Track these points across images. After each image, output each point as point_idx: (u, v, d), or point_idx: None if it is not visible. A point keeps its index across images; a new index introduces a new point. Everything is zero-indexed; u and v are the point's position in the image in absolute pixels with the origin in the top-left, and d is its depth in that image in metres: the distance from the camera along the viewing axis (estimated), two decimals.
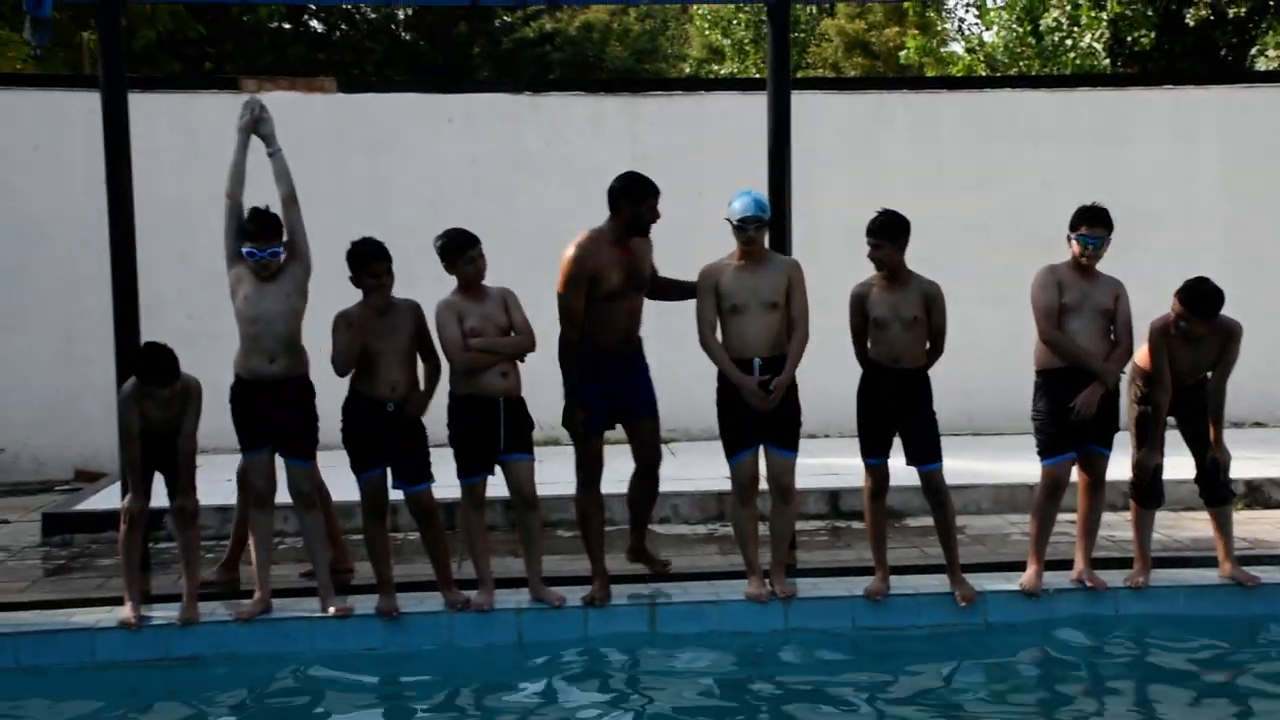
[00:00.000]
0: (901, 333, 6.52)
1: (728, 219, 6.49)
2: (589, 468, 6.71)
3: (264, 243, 6.40)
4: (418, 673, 6.23)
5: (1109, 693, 5.97)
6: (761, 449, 6.57)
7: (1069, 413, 6.45)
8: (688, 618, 6.63)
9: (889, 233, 6.50)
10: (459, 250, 6.46)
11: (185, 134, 10.85)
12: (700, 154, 11.59)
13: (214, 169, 10.97)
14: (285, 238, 6.51)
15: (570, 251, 6.58)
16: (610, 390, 6.62)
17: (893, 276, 6.54)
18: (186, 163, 10.73)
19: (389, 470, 6.50)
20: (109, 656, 6.25)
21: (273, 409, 6.42)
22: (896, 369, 6.54)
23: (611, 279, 6.57)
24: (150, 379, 6.23)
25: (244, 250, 6.43)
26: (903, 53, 23.33)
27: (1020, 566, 6.86)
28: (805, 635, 6.54)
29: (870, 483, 6.70)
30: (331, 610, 6.50)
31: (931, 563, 7.30)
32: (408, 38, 28.85)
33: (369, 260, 6.36)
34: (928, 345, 6.60)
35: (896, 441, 6.63)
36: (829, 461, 9.08)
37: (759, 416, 6.46)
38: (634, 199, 6.61)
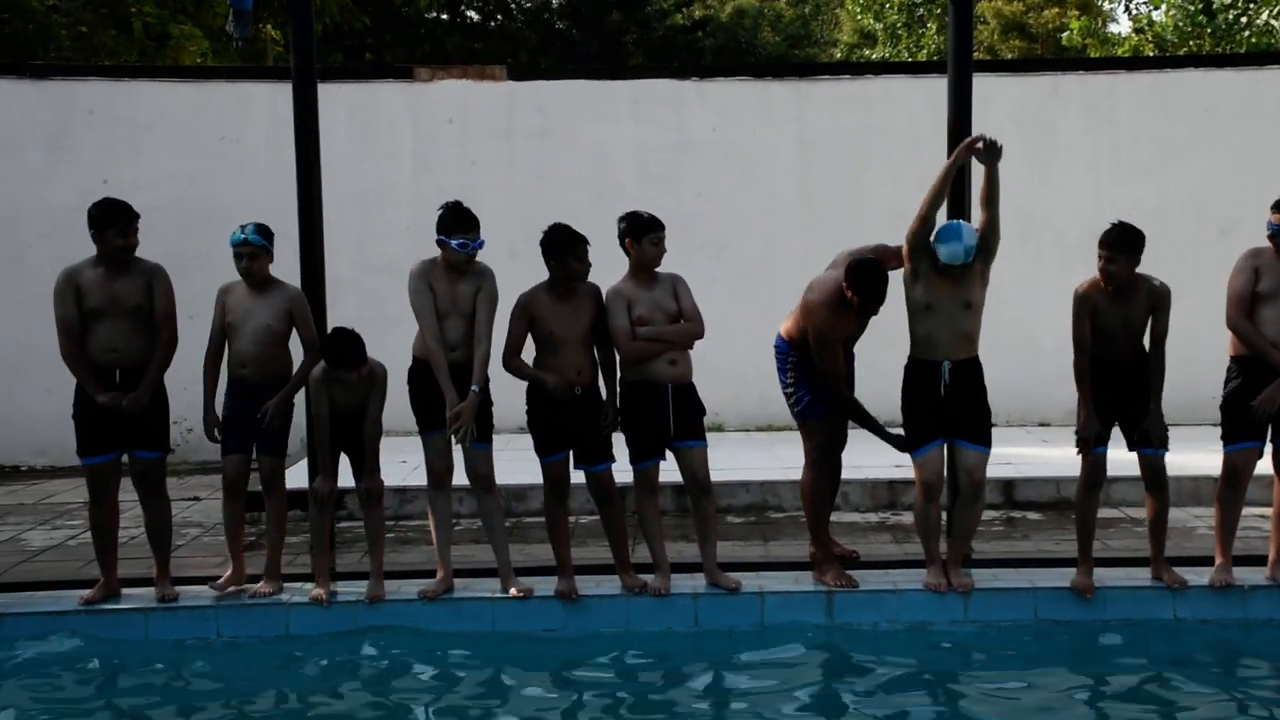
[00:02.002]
0: (1127, 341, 6.39)
1: (934, 250, 6.30)
2: (820, 449, 6.74)
3: (476, 233, 6.44)
4: (596, 655, 6.28)
5: None
6: (945, 443, 6.48)
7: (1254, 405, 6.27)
8: (865, 606, 6.57)
9: (1125, 247, 6.30)
10: (647, 229, 6.50)
11: (361, 123, 11.11)
12: (866, 138, 11.49)
13: (388, 157, 11.35)
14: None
15: (820, 319, 6.51)
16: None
17: (1121, 290, 6.34)
18: (362, 151, 10.99)
19: (570, 453, 6.58)
20: (302, 631, 6.47)
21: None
22: (1117, 360, 6.41)
23: (841, 334, 6.58)
24: (339, 364, 6.39)
25: (456, 243, 6.40)
26: (1064, 34, 22.75)
27: (1209, 561, 6.66)
28: (985, 627, 6.44)
29: (1088, 472, 6.53)
30: (512, 591, 6.61)
31: (1113, 555, 7.16)
32: (561, 26, 29.11)
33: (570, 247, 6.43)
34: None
35: None
36: (1001, 451, 8.89)
37: (947, 410, 6.39)
38: (858, 286, 6.39)
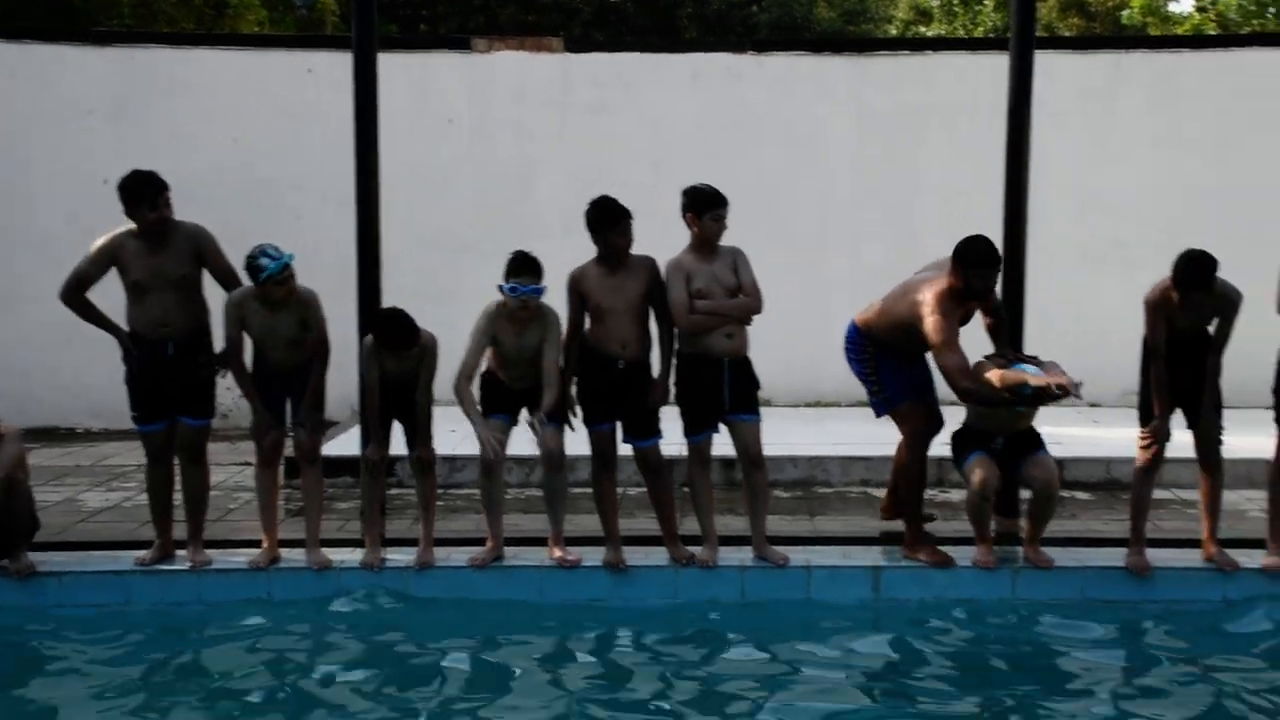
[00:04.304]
0: (1194, 333, 6.35)
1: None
2: (917, 433, 6.64)
3: (530, 278, 6.37)
4: (642, 625, 6.30)
5: None
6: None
7: None
8: (912, 582, 6.57)
9: (1204, 283, 6.16)
10: (709, 205, 6.48)
11: (417, 94, 11.12)
12: (924, 115, 11.40)
13: (442, 127, 11.38)
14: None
15: (932, 316, 6.19)
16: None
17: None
18: (417, 122, 11.01)
19: (618, 424, 6.61)
20: (353, 594, 6.52)
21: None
22: (1184, 348, 6.40)
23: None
24: (391, 344, 6.42)
25: (508, 287, 6.35)
26: (1124, 13, 22.46)
27: (1260, 544, 6.61)
28: (1033, 605, 6.44)
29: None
30: (557, 554, 6.65)
31: (1165, 536, 7.13)
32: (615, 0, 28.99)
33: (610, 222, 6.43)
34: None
35: None
36: (1051, 431, 8.82)
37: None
38: (966, 266, 6.19)
